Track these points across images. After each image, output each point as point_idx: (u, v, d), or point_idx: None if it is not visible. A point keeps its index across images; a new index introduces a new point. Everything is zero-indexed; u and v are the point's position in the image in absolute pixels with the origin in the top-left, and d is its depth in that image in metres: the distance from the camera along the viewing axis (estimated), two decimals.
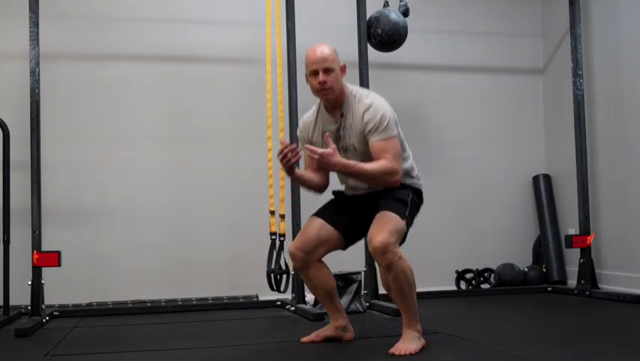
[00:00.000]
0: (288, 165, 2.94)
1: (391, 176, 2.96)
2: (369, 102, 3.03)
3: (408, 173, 3.13)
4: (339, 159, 2.90)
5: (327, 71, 3.01)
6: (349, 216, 3.15)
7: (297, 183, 3.18)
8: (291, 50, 4.49)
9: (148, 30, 4.98)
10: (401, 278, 2.88)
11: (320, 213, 3.19)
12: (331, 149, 2.88)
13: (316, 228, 3.13)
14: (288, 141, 4.48)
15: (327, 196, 3.28)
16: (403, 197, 3.03)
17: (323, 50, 3.05)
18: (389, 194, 3.03)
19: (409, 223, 3.02)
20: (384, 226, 2.88)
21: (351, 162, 2.94)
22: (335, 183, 3.27)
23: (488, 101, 5.63)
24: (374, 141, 2.98)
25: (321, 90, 3.04)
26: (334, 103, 3.09)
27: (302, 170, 3.17)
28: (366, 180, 3.01)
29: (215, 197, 4.98)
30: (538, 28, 5.77)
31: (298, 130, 3.28)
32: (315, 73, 3.04)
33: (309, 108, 3.29)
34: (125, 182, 4.88)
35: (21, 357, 3.09)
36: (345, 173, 2.98)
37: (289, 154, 2.92)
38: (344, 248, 3.25)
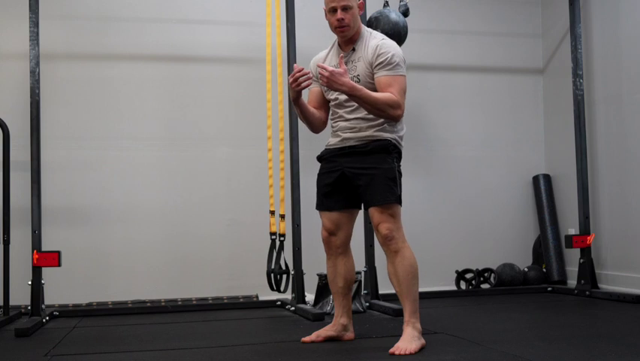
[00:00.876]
0: (299, 88, 2.99)
1: (394, 109, 2.99)
2: (383, 38, 3.12)
3: (399, 125, 3.15)
4: (348, 79, 2.94)
5: (345, 8, 3.06)
6: (341, 194, 3.18)
7: (299, 112, 3.17)
8: (291, 50, 4.48)
9: (148, 30, 4.98)
10: (406, 265, 2.99)
11: (320, 207, 3.24)
12: (342, 69, 2.93)
13: (328, 219, 3.21)
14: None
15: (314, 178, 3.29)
16: (392, 174, 3.07)
17: None
18: (376, 166, 3.05)
19: (401, 198, 3.09)
20: (385, 212, 3.00)
21: (358, 86, 2.97)
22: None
23: (488, 101, 5.63)
24: (381, 75, 3.03)
25: (338, 27, 3.09)
26: (349, 40, 3.15)
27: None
28: (370, 106, 3.00)
29: (215, 197, 4.98)
30: (538, 28, 5.77)
31: (309, 68, 3.28)
32: (333, 10, 3.08)
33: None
34: (125, 182, 4.87)
35: (21, 357, 3.09)
36: (351, 95, 2.98)
37: (301, 78, 2.97)
38: (360, 209, 3.31)
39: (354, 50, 3.13)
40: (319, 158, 3.28)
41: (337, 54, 3.18)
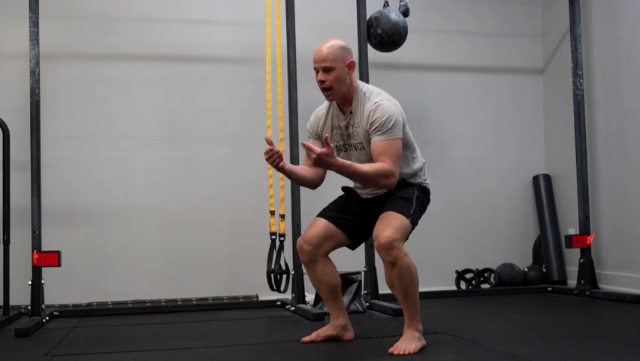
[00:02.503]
0: (274, 165, 2.94)
1: (386, 178, 2.93)
2: (377, 101, 3.02)
3: (416, 173, 3.15)
4: (336, 158, 2.86)
5: (327, 70, 3.02)
6: (354, 217, 3.16)
7: (288, 177, 3.17)
8: (291, 49, 4.48)
9: (148, 30, 4.98)
10: (405, 275, 2.90)
11: (324, 214, 3.20)
12: (328, 149, 2.83)
13: (321, 226, 3.16)
14: (286, 140, 4.48)
15: (330, 196, 3.29)
16: (408, 195, 3.05)
17: (324, 48, 3.04)
18: (394, 193, 3.04)
19: (414, 222, 3.04)
20: (390, 223, 2.92)
21: (347, 163, 2.91)
22: (334, 181, 3.28)
23: (488, 101, 5.63)
24: (375, 141, 2.97)
25: (321, 89, 3.06)
26: (344, 99, 3.09)
27: (294, 165, 3.18)
28: (362, 181, 3.00)
29: (215, 197, 4.98)
30: (538, 28, 5.77)
31: (308, 123, 3.27)
32: (316, 71, 3.06)
33: (309, 107, 3.29)
34: (125, 182, 4.87)
35: (21, 357, 3.09)
36: (341, 173, 2.95)
37: (274, 156, 2.90)
38: (352, 248, 3.30)
39: (351, 112, 3.07)
40: (345, 188, 3.26)
41: (337, 116, 3.13)
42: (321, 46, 3.05)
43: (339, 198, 3.28)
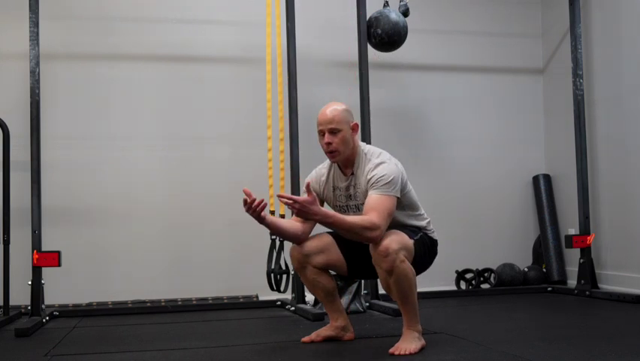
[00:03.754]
0: (254, 215, 2.92)
1: (370, 231, 2.81)
2: (377, 162, 3.00)
3: (424, 227, 3.12)
4: (318, 207, 2.81)
5: (333, 132, 3.00)
6: (360, 251, 3.08)
7: (270, 230, 3.12)
8: (291, 49, 4.48)
9: (148, 30, 4.98)
10: (403, 281, 2.87)
11: (332, 232, 3.16)
12: (310, 197, 2.80)
13: (320, 239, 3.16)
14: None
15: None
16: (414, 230, 3.05)
17: (329, 110, 3.03)
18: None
19: (417, 250, 2.98)
20: (389, 235, 2.88)
21: (330, 212, 2.86)
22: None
23: (488, 101, 5.63)
24: (370, 195, 2.93)
25: (327, 152, 3.05)
26: (346, 161, 3.09)
27: (277, 218, 3.16)
28: (346, 232, 2.89)
29: (215, 197, 4.98)
30: (538, 28, 5.77)
31: (309, 177, 3.24)
32: (322, 133, 3.04)
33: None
34: (124, 182, 4.88)
35: (21, 357, 3.09)
36: (324, 223, 2.88)
37: (254, 205, 2.89)
38: (345, 279, 3.29)
39: (352, 173, 3.07)
40: None
41: (338, 177, 3.12)
42: (324, 109, 3.04)
43: None
